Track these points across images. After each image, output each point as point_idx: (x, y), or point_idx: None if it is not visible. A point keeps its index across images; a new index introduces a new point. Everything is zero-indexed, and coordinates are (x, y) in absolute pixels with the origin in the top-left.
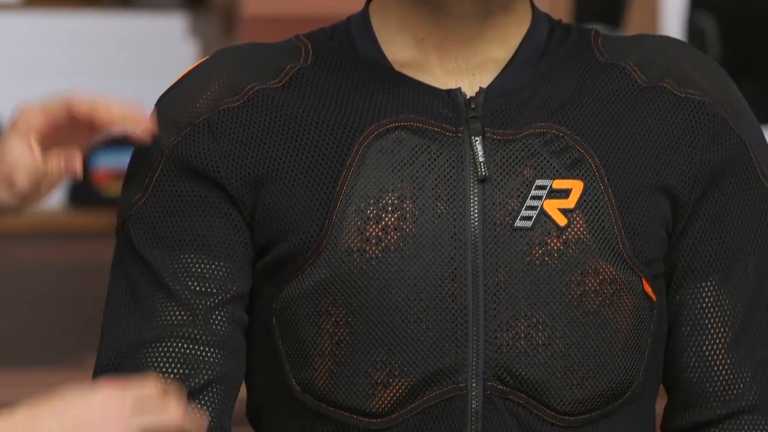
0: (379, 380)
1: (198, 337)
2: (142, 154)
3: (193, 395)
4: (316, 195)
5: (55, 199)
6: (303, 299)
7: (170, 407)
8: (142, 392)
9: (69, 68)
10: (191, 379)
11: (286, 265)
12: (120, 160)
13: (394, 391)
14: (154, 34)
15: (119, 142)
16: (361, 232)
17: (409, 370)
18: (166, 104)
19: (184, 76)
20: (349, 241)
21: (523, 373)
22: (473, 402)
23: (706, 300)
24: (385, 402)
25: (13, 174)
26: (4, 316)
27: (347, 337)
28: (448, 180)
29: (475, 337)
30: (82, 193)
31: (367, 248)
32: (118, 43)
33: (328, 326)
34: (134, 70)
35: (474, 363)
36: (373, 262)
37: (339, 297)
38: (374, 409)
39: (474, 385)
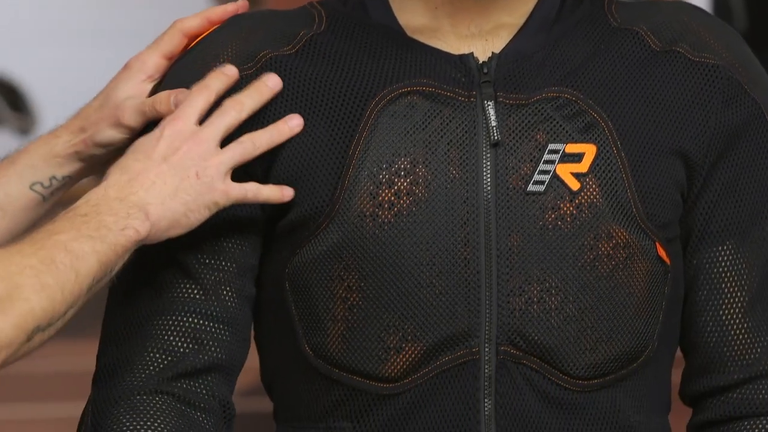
0: (392, 345)
1: (208, 312)
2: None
3: (198, 373)
4: (329, 160)
5: None
6: (315, 264)
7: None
8: (199, 103)
9: (90, 32)
10: (199, 356)
11: (299, 230)
12: None
13: (407, 356)
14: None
15: None
16: (374, 197)
17: (421, 334)
18: (179, 70)
19: (197, 42)
20: (362, 205)
21: (536, 338)
22: (486, 367)
23: (723, 264)
24: (398, 367)
25: (120, 112)
26: None
27: (360, 302)
28: (460, 144)
29: (487, 302)
30: None
31: (380, 213)
32: (141, 7)
33: (341, 291)
34: (157, 35)
35: (487, 327)
36: (386, 227)
37: (351, 262)
38: (387, 374)
39: (487, 349)
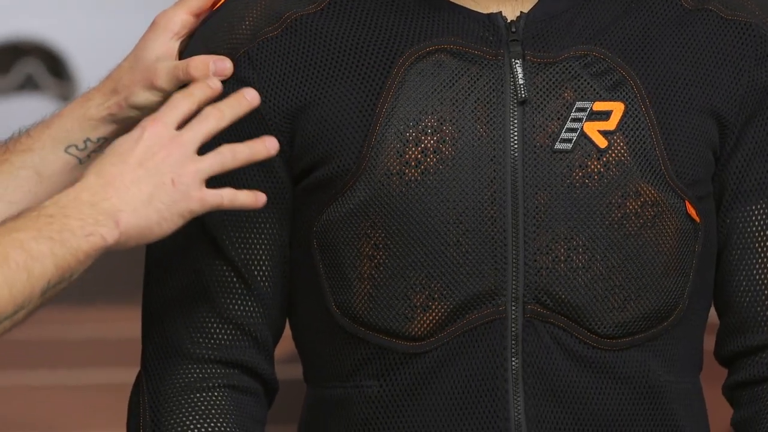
0: (419, 303)
1: (245, 294)
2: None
3: (242, 359)
4: (356, 118)
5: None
6: (342, 222)
7: (212, 112)
8: (182, 108)
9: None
10: (241, 341)
11: (326, 188)
12: None
13: (434, 314)
14: None
15: None
16: (401, 155)
17: (448, 293)
18: (206, 32)
19: (223, 3)
20: (389, 164)
21: (563, 296)
22: (513, 325)
23: (756, 223)
24: (425, 325)
25: (153, 75)
26: None
27: (386, 260)
28: (487, 102)
29: (514, 260)
30: None
31: (407, 171)
32: None
33: (368, 249)
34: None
35: (513, 286)
36: (412, 185)
37: (378, 220)
38: (413, 333)
39: (513, 308)
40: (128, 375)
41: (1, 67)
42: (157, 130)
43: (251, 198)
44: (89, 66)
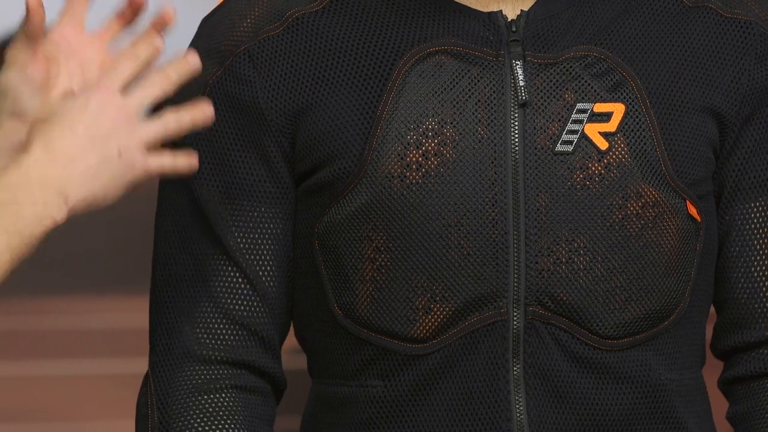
0: (421, 306)
1: (250, 295)
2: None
3: (249, 359)
4: (357, 120)
5: None
6: (344, 224)
7: (157, 74)
8: (126, 71)
9: None
10: (248, 342)
11: (327, 190)
12: None
13: (436, 316)
14: None
15: None
16: (402, 158)
17: (450, 295)
18: (207, 29)
19: (225, 0)
20: (390, 166)
21: (565, 298)
22: (515, 327)
23: (755, 221)
24: (427, 327)
25: (16, 103)
26: (65, 244)
27: (388, 263)
28: (488, 104)
29: (516, 262)
30: None
31: (408, 174)
32: None
33: (369, 251)
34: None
35: (515, 288)
36: (414, 188)
37: (380, 222)
38: (416, 335)
39: (515, 310)
40: (141, 365)
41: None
42: (103, 96)
43: (188, 161)
44: None
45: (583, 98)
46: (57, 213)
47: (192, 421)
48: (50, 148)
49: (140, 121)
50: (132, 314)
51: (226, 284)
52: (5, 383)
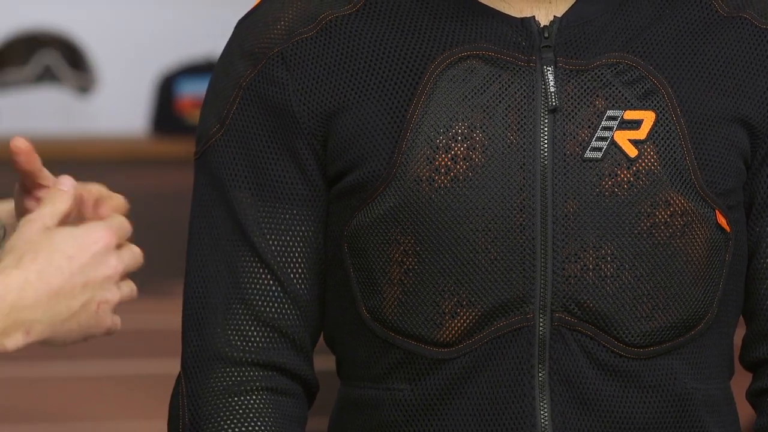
0: (447, 310)
1: (282, 298)
2: (221, 81)
3: (281, 362)
4: (387, 124)
5: (139, 127)
6: (373, 227)
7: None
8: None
9: None
10: (280, 345)
11: (357, 192)
12: (203, 89)
13: (462, 321)
14: None
15: (203, 69)
16: (431, 162)
17: (477, 300)
18: (242, 31)
19: (260, 2)
20: (419, 170)
21: (591, 305)
22: (540, 333)
23: None
24: (453, 332)
25: None
26: None
27: (416, 266)
28: (518, 110)
29: (543, 268)
30: (166, 120)
31: (436, 178)
32: None
33: (397, 255)
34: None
35: (542, 294)
36: (442, 192)
37: (408, 226)
38: (442, 339)
39: (541, 316)
40: (165, 366)
41: (19, 58)
42: (110, 242)
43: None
44: (108, 57)
45: (613, 105)
46: (10, 344)
47: (222, 423)
48: (43, 278)
49: (119, 279)
50: (138, 316)
51: (258, 287)
52: (7, 383)
